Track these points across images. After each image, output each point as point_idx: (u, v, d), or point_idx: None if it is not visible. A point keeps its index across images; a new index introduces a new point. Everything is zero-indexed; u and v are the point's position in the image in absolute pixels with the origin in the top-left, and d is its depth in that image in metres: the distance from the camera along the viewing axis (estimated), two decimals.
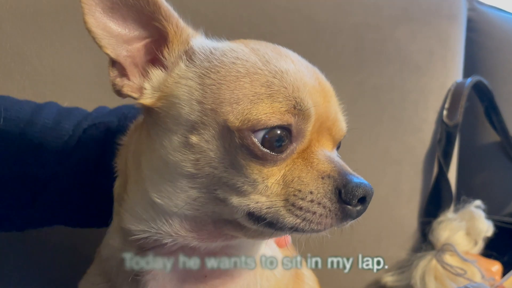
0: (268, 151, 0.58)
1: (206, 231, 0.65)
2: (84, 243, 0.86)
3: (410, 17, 1.45)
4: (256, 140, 0.58)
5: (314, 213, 0.58)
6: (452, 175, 1.45)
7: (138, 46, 0.65)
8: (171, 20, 0.63)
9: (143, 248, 0.67)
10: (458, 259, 1.22)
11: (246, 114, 0.57)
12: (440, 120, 1.42)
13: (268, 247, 0.76)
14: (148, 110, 0.66)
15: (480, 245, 1.28)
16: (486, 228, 1.28)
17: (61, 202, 0.84)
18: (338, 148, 0.70)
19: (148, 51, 0.66)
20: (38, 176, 0.81)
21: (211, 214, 0.63)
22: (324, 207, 0.58)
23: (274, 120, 0.58)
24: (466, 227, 1.29)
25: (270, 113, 0.57)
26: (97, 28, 0.61)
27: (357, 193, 0.58)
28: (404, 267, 1.31)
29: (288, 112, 0.58)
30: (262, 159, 0.59)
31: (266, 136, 0.58)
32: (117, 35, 0.63)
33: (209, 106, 0.60)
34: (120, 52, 0.63)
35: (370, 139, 1.38)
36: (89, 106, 0.91)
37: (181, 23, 0.65)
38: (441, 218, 1.31)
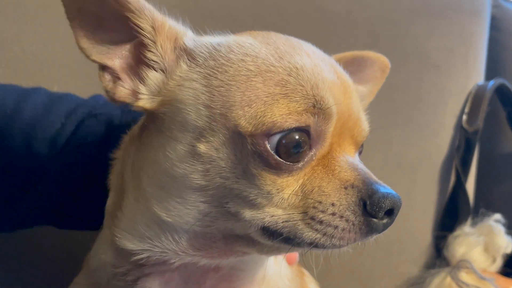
0: (282, 160, 0.56)
1: (216, 249, 0.64)
2: (76, 248, 0.83)
3: (429, 12, 1.44)
4: (269, 148, 0.56)
5: (336, 227, 0.56)
6: (470, 185, 1.44)
7: (128, 47, 0.64)
8: (143, 15, 0.61)
9: (141, 265, 0.66)
10: (474, 277, 1.20)
11: (259, 118, 0.55)
12: (459, 126, 1.41)
13: (275, 261, 0.75)
14: (151, 116, 0.64)
15: (499, 262, 1.28)
16: (506, 244, 1.27)
17: (52, 201, 0.82)
18: (360, 152, 0.68)
19: (141, 51, 0.64)
20: (27, 170, 0.78)
21: (223, 230, 0.61)
22: (347, 220, 0.56)
23: (291, 122, 0.55)
24: (484, 242, 1.28)
25: (286, 114, 0.55)
26: (88, 44, 0.61)
27: (384, 205, 0.55)
28: (416, 284, 1.30)
29: (307, 112, 0.56)
30: (276, 169, 0.56)
31: (283, 141, 0.56)
32: (104, 42, 0.62)
33: (218, 111, 0.57)
34: (108, 56, 0.62)
35: (382, 144, 1.36)
36: None
37: (159, 17, 0.62)
38: (458, 232, 1.31)
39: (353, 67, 0.78)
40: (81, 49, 0.61)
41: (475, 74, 1.47)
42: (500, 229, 1.28)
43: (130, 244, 0.64)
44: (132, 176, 0.66)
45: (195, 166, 0.58)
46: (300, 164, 0.57)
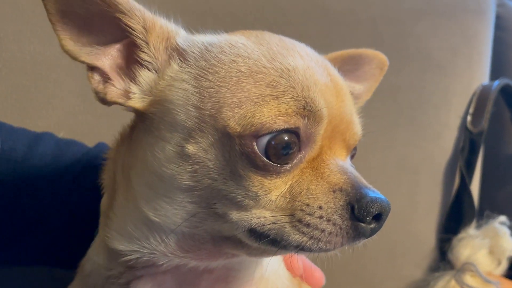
0: (269, 162, 0.56)
1: (205, 251, 0.63)
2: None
3: (433, 11, 1.43)
4: (258, 149, 0.56)
5: (323, 230, 0.56)
6: (475, 187, 1.44)
7: (118, 47, 0.63)
8: (134, 16, 0.61)
9: (132, 267, 0.66)
10: (479, 280, 1.20)
11: (248, 118, 0.55)
12: (463, 127, 1.41)
13: (274, 264, 0.74)
14: (141, 116, 0.64)
15: (504, 265, 1.28)
16: (511, 246, 1.28)
17: (52, 244, 0.84)
18: (353, 156, 0.68)
19: (131, 50, 0.64)
20: (31, 214, 0.81)
21: (211, 231, 0.62)
22: (334, 224, 0.56)
23: (280, 123, 0.55)
24: (489, 245, 1.28)
25: (275, 116, 0.55)
26: (74, 46, 0.60)
27: (371, 210, 0.55)
28: None
29: (296, 114, 0.56)
30: (263, 170, 0.56)
31: (272, 142, 0.56)
32: (91, 43, 0.62)
33: (208, 112, 0.58)
34: (97, 56, 0.62)
35: (385, 145, 1.35)
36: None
37: (150, 17, 0.62)
38: (462, 234, 1.31)
39: (351, 65, 0.79)
40: (67, 51, 0.60)
41: (480, 74, 1.46)
42: (505, 232, 1.27)
43: (119, 245, 0.64)
44: (123, 175, 0.66)
45: (183, 167, 0.58)
46: (288, 166, 0.57)
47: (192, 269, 0.66)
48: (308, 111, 0.57)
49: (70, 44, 0.60)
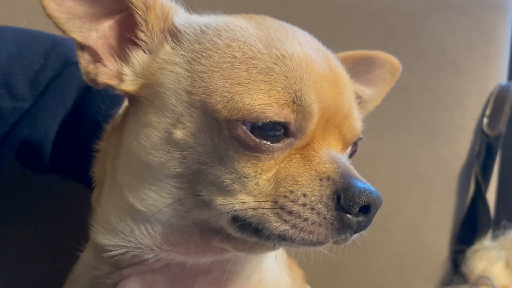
0: (261, 141, 0.57)
1: (193, 244, 0.64)
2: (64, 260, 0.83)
3: (448, 4, 1.40)
4: (247, 129, 0.56)
5: (306, 219, 0.56)
6: (491, 195, 1.42)
7: (110, 24, 0.63)
8: None
9: (119, 265, 0.66)
10: None
11: (236, 102, 0.56)
12: (479, 130, 1.39)
13: (276, 273, 0.75)
14: (131, 99, 0.65)
15: None
16: None
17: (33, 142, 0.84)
18: (354, 152, 0.69)
19: (124, 29, 0.64)
20: (7, 112, 0.80)
21: (198, 222, 0.62)
22: (318, 213, 0.56)
23: (270, 115, 0.56)
24: (506, 257, 1.26)
25: (265, 104, 0.56)
26: (59, 12, 0.59)
27: (358, 200, 0.55)
28: None
29: (288, 106, 0.57)
30: (256, 151, 0.57)
31: (259, 123, 0.57)
32: (81, 15, 0.61)
33: (198, 97, 0.59)
34: (88, 34, 0.62)
35: (395, 150, 1.35)
36: None
37: None
38: (477, 246, 1.29)
39: (361, 67, 0.80)
40: (52, 18, 0.59)
41: (497, 73, 1.43)
42: None
43: (103, 239, 0.65)
44: (112, 167, 0.67)
45: (171, 153, 0.59)
46: (280, 144, 0.58)
47: (186, 270, 0.67)
48: (298, 106, 0.57)
49: (53, 7, 0.59)
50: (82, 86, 0.82)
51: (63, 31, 0.60)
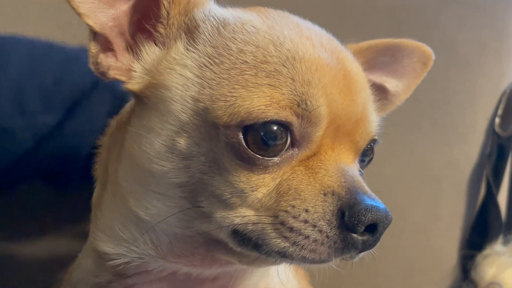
0: (255, 154, 0.55)
1: (198, 256, 0.63)
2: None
3: (459, 0, 1.39)
4: (242, 139, 0.55)
5: (307, 237, 0.55)
6: (502, 198, 1.40)
7: (125, 9, 0.61)
8: None
9: (122, 274, 0.66)
10: None
11: (237, 107, 0.54)
12: (491, 130, 1.37)
13: (281, 267, 0.72)
14: (137, 98, 0.63)
15: None
16: None
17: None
18: (370, 160, 0.67)
19: (141, 15, 0.62)
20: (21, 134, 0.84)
21: (202, 233, 0.61)
22: (320, 231, 0.54)
23: (269, 114, 0.54)
24: None
25: (265, 105, 0.54)
26: None
27: (364, 218, 0.53)
28: None
29: (290, 108, 0.55)
30: (249, 163, 0.56)
31: (260, 132, 0.55)
32: None
33: (203, 104, 0.57)
34: (105, 20, 0.60)
35: (404, 150, 1.33)
36: None
37: None
38: (487, 251, 1.29)
39: (387, 57, 0.77)
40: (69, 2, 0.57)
41: (510, 71, 1.41)
42: None
43: (105, 247, 0.64)
44: (116, 167, 0.65)
45: (175, 163, 0.58)
46: (276, 159, 0.56)
47: (191, 277, 0.66)
48: (303, 109, 0.55)
49: None
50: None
51: (79, 15, 0.58)
